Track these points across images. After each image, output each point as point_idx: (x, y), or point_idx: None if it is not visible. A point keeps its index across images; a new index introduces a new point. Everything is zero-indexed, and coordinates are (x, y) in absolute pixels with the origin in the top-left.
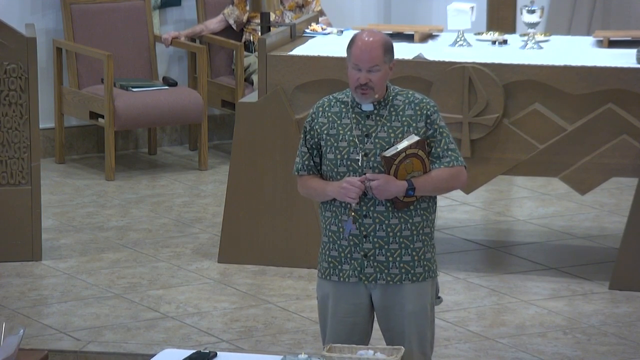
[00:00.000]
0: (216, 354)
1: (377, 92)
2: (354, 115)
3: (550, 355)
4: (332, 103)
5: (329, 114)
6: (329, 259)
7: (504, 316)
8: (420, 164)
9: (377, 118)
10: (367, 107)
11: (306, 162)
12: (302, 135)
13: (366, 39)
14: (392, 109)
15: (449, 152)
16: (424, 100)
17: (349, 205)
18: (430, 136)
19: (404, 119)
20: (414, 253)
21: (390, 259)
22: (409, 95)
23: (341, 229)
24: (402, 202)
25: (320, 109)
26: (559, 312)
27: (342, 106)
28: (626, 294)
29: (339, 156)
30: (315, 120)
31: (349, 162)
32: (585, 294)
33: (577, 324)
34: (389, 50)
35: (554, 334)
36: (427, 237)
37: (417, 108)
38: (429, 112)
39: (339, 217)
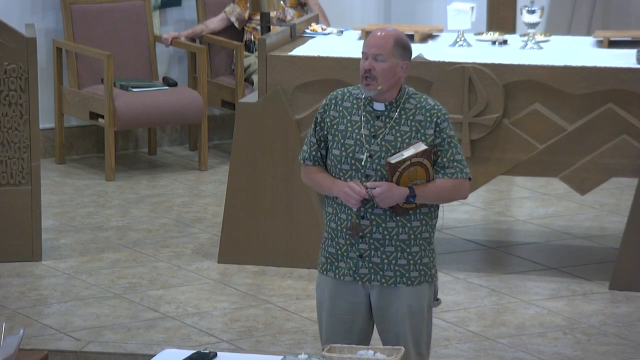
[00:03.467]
0: (216, 354)
1: (380, 83)
2: (364, 114)
3: (550, 355)
4: (345, 97)
5: (341, 109)
6: (327, 255)
7: (504, 316)
8: (424, 173)
9: (387, 120)
10: (379, 106)
11: (313, 153)
12: (312, 125)
13: (381, 31)
14: (402, 112)
15: (455, 163)
16: (436, 107)
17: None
18: (438, 145)
19: (413, 123)
20: (410, 257)
21: (385, 261)
22: (422, 100)
23: (339, 227)
24: (401, 208)
25: (333, 101)
26: (559, 312)
27: (355, 102)
28: (626, 294)
29: (344, 153)
30: (327, 113)
31: (353, 161)
32: (585, 294)
33: (577, 324)
34: (401, 46)
35: (554, 334)
36: (425, 242)
37: (428, 114)
38: (438, 120)
39: (339, 214)
